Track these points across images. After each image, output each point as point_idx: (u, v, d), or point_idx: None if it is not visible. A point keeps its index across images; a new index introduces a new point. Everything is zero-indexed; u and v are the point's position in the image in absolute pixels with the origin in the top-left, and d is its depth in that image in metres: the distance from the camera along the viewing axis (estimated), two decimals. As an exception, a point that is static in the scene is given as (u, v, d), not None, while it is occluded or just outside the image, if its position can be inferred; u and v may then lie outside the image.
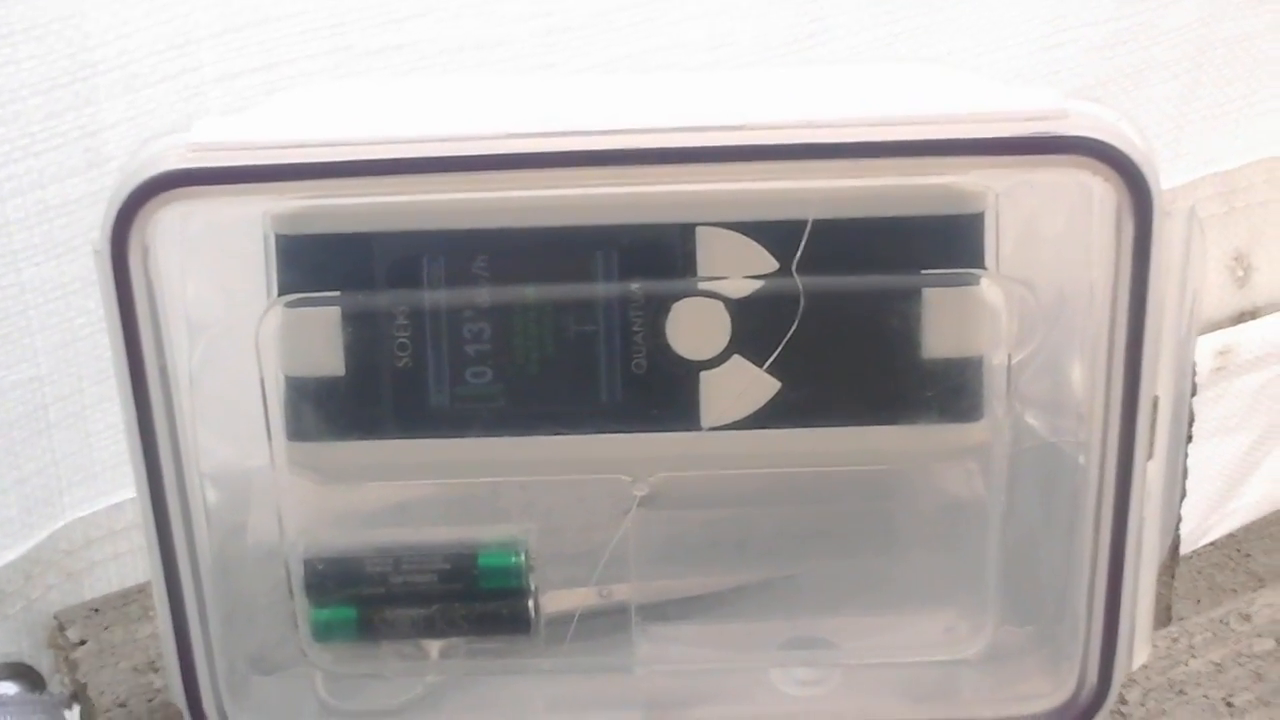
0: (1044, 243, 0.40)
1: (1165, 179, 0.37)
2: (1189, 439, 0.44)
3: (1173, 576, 0.72)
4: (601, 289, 0.39)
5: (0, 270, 0.48)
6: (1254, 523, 0.82)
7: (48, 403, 0.51)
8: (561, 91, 0.43)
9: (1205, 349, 0.71)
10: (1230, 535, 0.82)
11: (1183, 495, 0.50)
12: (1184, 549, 0.77)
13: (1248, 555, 0.84)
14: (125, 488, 0.54)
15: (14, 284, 0.49)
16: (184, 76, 0.49)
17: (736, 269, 0.39)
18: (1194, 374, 0.44)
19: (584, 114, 0.37)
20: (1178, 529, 0.71)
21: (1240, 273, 0.73)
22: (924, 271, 0.39)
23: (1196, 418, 0.70)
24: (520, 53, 0.55)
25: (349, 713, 0.44)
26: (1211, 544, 0.81)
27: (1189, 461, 0.57)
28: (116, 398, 0.38)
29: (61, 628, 0.52)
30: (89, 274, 0.49)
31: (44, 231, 0.49)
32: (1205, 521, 0.80)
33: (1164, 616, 0.55)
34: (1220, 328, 0.73)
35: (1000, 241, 0.39)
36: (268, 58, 0.50)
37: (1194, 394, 0.47)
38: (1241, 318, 0.74)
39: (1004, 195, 0.39)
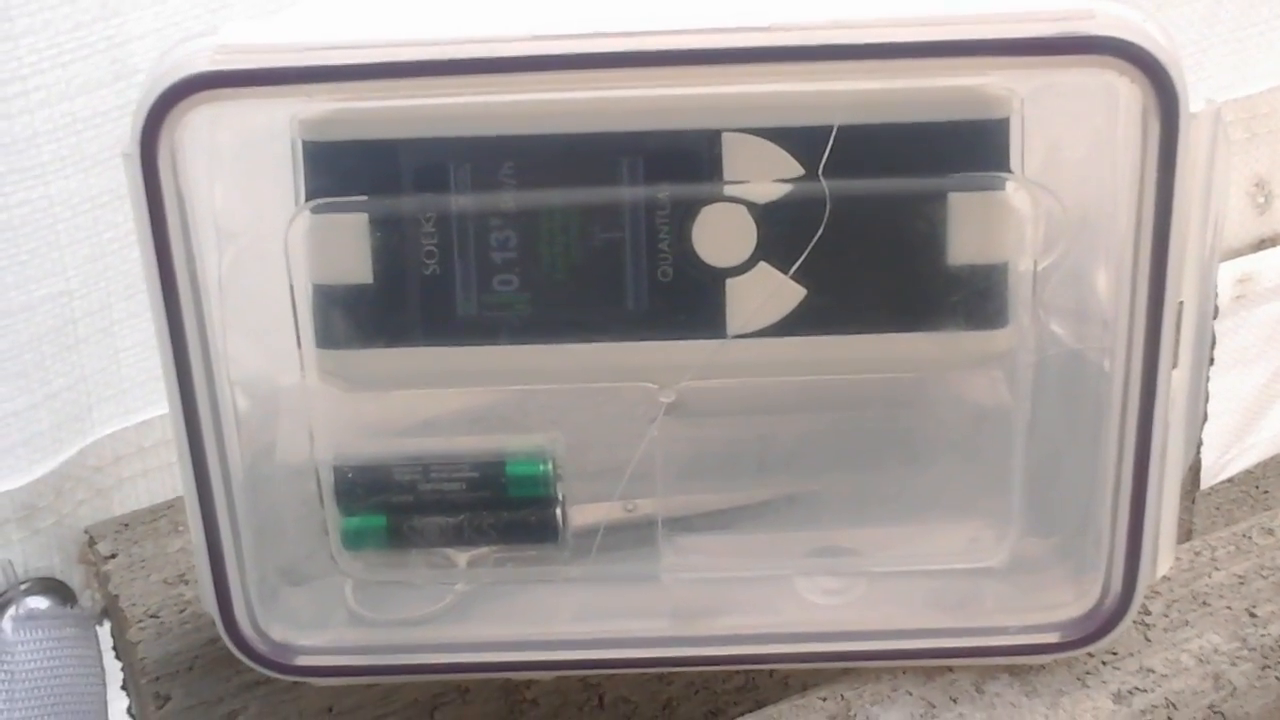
0: (1070, 148, 0.40)
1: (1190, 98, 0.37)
2: (1211, 361, 0.44)
3: (1193, 501, 0.72)
4: (627, 195, 0.39)
5: (29, 183, 0.49)
6: (1272, 459, 0.82)
7: (77, 318, 0.52)
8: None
9: (1225, 277, 0.71)
10: (1248, 471, 0.82)
11: (1204, 418, 0.50)
12: (1202, 484, 0.77)
13: (1265, 491, 0.84)
14: (154, 405, 0.54)
15: (43, 197, 0.49)
16: (212, -14, 0.50)
17: (762, 174, 0.39)
18: (1216, 292, 0.44)
19: (611, 16, 0.37)
20: (1199, 451, 0.71)
21: (1261, 199, 0.73)
22: (950, 176, 0.39)
23: (1216, 346, 0.70)
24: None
25: (378, 621, 0.44)
26: (1229, 480, 0.82)
27: (1209, 388, 0.57)
28: (144, 314, 0.39)
29: (92, 542, 0.53)
30: (118, 187, 0.49)
31: (72, 144, 0.49)
32: (1223, 456, 0.80)
33: (1184, 538, 0.55)
34: (1240, 255, 0.73)
35: (1026, 147, 0.39)
36: (295, -33, 0.51)
37: (1215, 317, 0.47)
38: (1262, 245, 0.74)
39: (1030, 100, 0.39)
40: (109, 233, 0.51)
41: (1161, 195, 0.38)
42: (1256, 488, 0.84)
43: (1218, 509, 0.83)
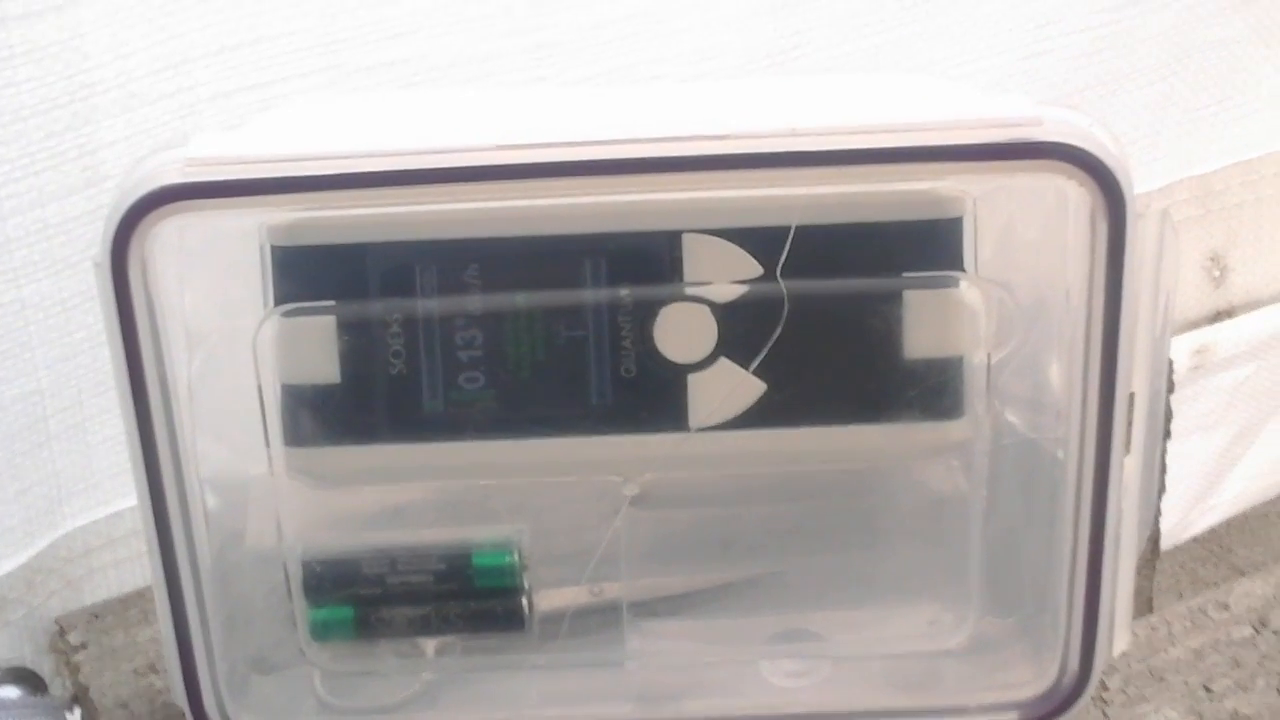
0: (1021, 245, 0.41)
1: (1143, 182, 0.38)
2: (1167, 435, 0.45)
3: (1153, 570, 0.73)
4: (590, 295, 0.40)
5: (1, 287, 0.49)
6: (1234, 518, 0.83)
7: (48, 415, 0.52)
8: (550, 104, 0.44)
9: (1183, 348, 0.72)
10: (1211, 530, 0.83)
11: (1161, 490, 0.51)
12: (1166, 544, 0.78)
13: (1229, 550, 0.85)
14: (124, 496, 0.55)
15: (15, 300, 0.50)
16: (180, 95, 0.50)
17: (722, 274, 0.40)
18: (1171, 371, 0.45)
19: (572, 125, 0.38)
20: (1157, 523, 0.72)
21: (1216, 273, 0.74)
22: (905, 274, 0.40)
23: (1175, 416, 0.71)
24: (509, 67, 0.56)
25: (347, 710, 0.45)
26: (1193, 539, 0.83)
27: (1169, 458, 0.58)
28: (115, 409, 0.39)
29: (63, 632, 0.53)
30: (88, 289, 0.50)
31: (44, 249, 0.50)
32: (1187, 517, 0.81)
33: (1145, 608, 0.56)
34: (1197, 327, 0.74)
35: (979, 245, 0.40)
36: (261, 76, 0.51)
37: (1172, 391, 0.48)
38: (1218, 317, 0.75)
39: (982, 200, 0.40)
40: (80, 333, 0.52)
41: (1110, 292, 0.38)
42: (1220, 545, 0.85)
43: (1182, 568, 0.84)
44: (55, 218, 0.49)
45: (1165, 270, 0.40)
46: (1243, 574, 0.78)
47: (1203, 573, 0.84)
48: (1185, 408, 0.74)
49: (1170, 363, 0.45)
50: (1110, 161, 0.37)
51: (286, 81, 0.52)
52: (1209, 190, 0.73)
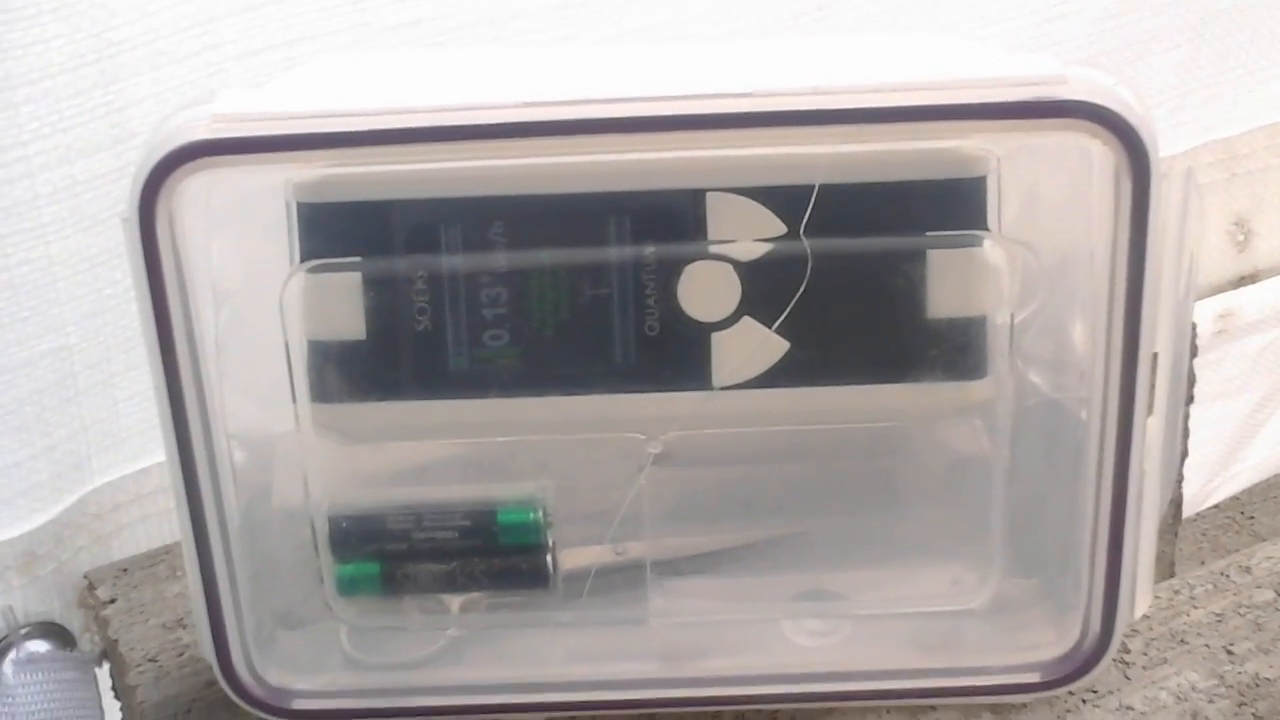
0: (1045, 205, 0.41)
1: (1168, 146, 0.38)
2: (1190, 400, 0.45)
3: (1175, 535, 0.73)
4: (615, 253, 0.40)
5: (30, 243, 0.49)
6: (1257, 485, 0.83)
7: (76, 371, 0.53)
8: (575, 62, 0.44)
9: (1206, 312, 0.72)
10: (1234, 498, 0.83)
11: (1184, 454, 0.51)
12: (1188, 512, 0.78)
13: (1251, 518, 0.85)
14: (151, 453, 0.55)
15: (43, 256, 0.50)
16: (206, 54, 0.50)
17: (746, 233, 0.40)
18: (1194, 334, 0.45)
19: (597, 83, 0.38)
20: (1179, 486, 0.71)
21: (1241, 237, 0.74)
22: (929, 234, 0.40)
23: (1198, 381, 0.71)
24: (535, 26, 0.56)
25: (373, 665, 0.45)
26: (1215, 506, 0.82)
27: (1191, 424, 0.58)
28: (142, 366, 0.39)
29: (91, 587, 0.53)
30: (116, 246, 0.50)
31: (72, 205, 0.50)
32: (1209, 484, 0.81)
33: (1166, 573, 0.56)
34: (1221, 291, 0.74)
35: (1003, 204, 0.40)
36: (288, 34, 0.51)
37: (1195, 356, 0.48)
38: (1242, 282, 0.75)
39: (1006, 159, 0.40)
40: (108, 289, 0.52)
41: (1134, 251, 0.39)
42: (1242, 513, 0.85)
43: (1204, 535, 0.84)
44: (83, 175, 0.49)
45: (1189, 230, 0.40)
46: (1265, 541, 0.78)
47: (1225, 540, 0.84)
48: (1208, 373, 0.74)
49: (1194, 326, 0.45)
50: (1135, 120, 0.37)
51: (313, 40, 0.52)
52: (1234, 154, 0.73)
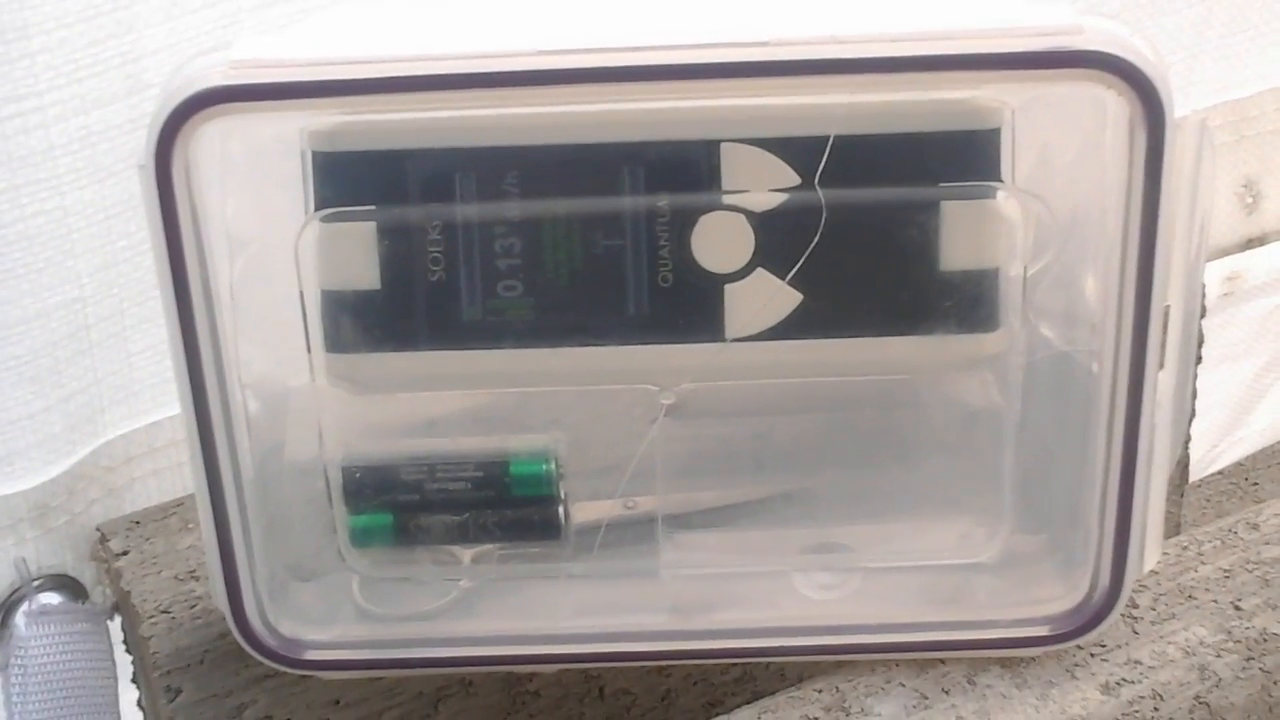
0: (1059, 157, 0.41)
1: (1178, 107, 0.38)
2: (1198, 359, 0.45)
3: (1182, 496, 0.73)
4: (628, 204, 0.40)
5: (45, 194, 0.50)
6: (1261, 451, 0.83)
7: (90, 323, 0.53)
8: (592, 10, 0.44)
9: (1213, 274, 0.72)
10: (1238, 464, 0.83)
11: (1192, 415, 0.51)
12: (1192, 477, 0.78)
13: (1255, 483, 0.85)
14: (164, 406, 0.55)
15: (58, 207, 0.50)
16: (222, 4, 0.50)
17: (760, 183, 0.40)
18: (1203, 292, 0.45)
19: (613, 32, 0.38)
20: (1187, 447, 0.72)
21: (1249, 200, 0.74)
22: (942, 185, 0.40)
23: (1205, 344, 0.71)
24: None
25: (385, 616, 0.45)
26: (1219, 472, 0.82)
27: (1198, 385, 0.58)
28: (155, 319, 0.40)
29: (104, 539, 0.53)
30: (130, 198, 0.50)
31: (87, 156, 0.50)
32: (1213, 450, 0.81)
33: (1172, 533, 0.56)
34: (1228, 254, 0.74)
35: (1016, 156, 0.40)
36: (303, -14, 0.52)
37: (1203, 316, 0.48)
38: (1250, 244, 0.75)
39: (1020, 111, 0.40)
40: (121, 241, 0.52)
41: (1148, 203, 0.39)
42: (1246, 479, 0.85)
43: (1208, 500, 0.84)
44: (98, 125, 0.49)
45: (1202, 182, 0.40)
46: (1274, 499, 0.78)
47: (1228, 505, 0.84)
48: (1214, 336, 0.74)
49: (1203, 287, 0.45)
50: (1150, 71, 0.37)
51: (327, -9, 0.52)
52: (1243, 116, 0.73)
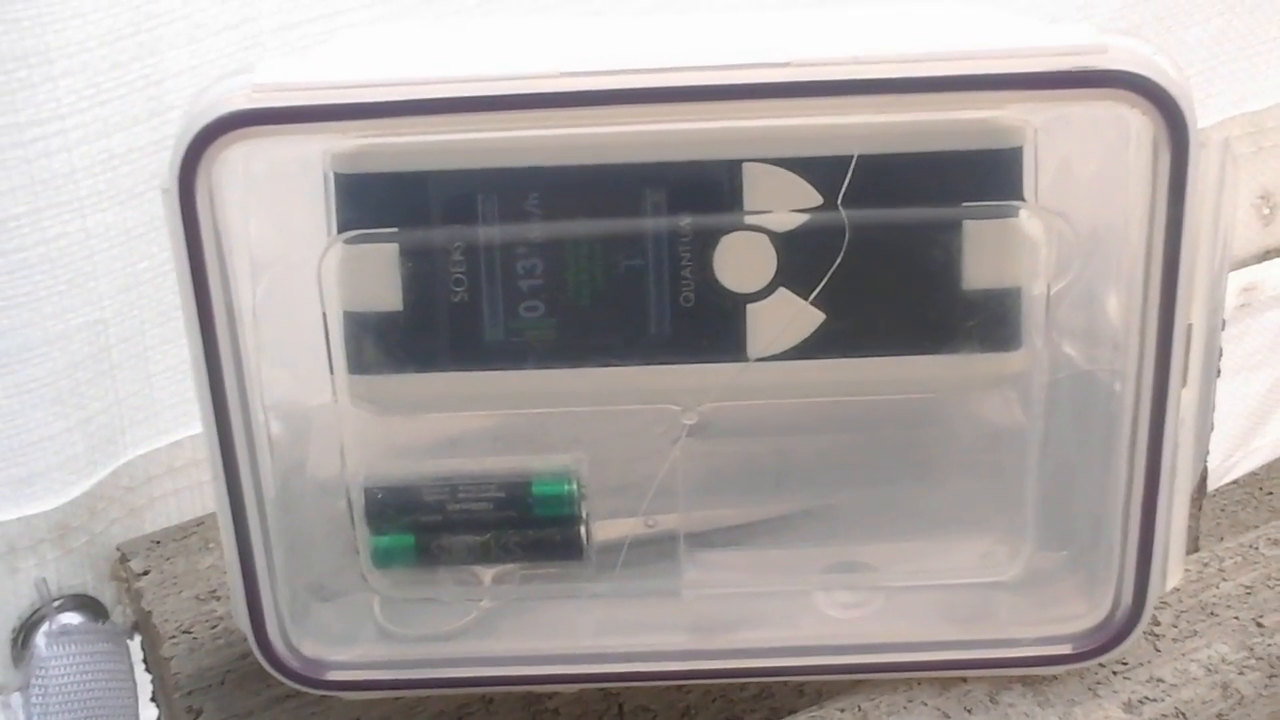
0: (1081, 176, 0.41)
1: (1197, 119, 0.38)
2: (1218, 372, 0.45)
3: (1200, 509, 0.73)
4: (650, 224, 0.40)
5: (67, 216, 0.50)
6: (1276, 461, 0.83)
7: (111, 344, 0.53)
8: (612, 32, 0.44)
9: (1231, 286, 0.72)
10: (1252, 474, 0.82)
11: (1211, 428, 0.51)
12: (1208, 486, 0.78)
13: (1270, 493, 0.84)
14: (185, 426, 0.55)
15: (80, 229, 0.50)
16: (244, 26, 0.51)
17: (782, 204, 0.40)
18: (1224, 308, 0.45)
19: (633, 53, 0.38)
20: (1206, 461, 0.71)
21: (1266, 211, 0.74)
22: (964, 204, 0.40)
23: (1223, 353, 0.71)
24: (572, -1, 0.56)
25: (406, 637, 0.45)
26: (1234, 482, 0.82)
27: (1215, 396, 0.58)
28: (176, 340, 0.40)
29: (124, 559, 0.53)
30: (152, 219, 0.51)
31: (109, 179, 0.50)
32: (1228, 460, 0.81)
33: (1191, 546, 0.56)
34: (1246, 265, 0.74)
35: (1039, 175, 0.40)
36: (325, 7, 0.52)
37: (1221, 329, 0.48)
38: (1267, 255, 0.75)
39: (1042, 130, 0.40)
40: (143, 263, 0.52)
41: (1171, 222, 0.39)
42: (1261, 489, 0.84)
43: (1223, 510, 0.83)
44: (120, 148, 0.50)
45: (1225, 201, 0.40)
46: (1287, 516, 0.78)
47: (1243, 516, 0.83)
48: (1231, 347, 0.74)
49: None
50: (1174, 90, 0.37)
51: (350, 13, 0.52)
52: (1261, 128, 0.73)
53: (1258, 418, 0.80)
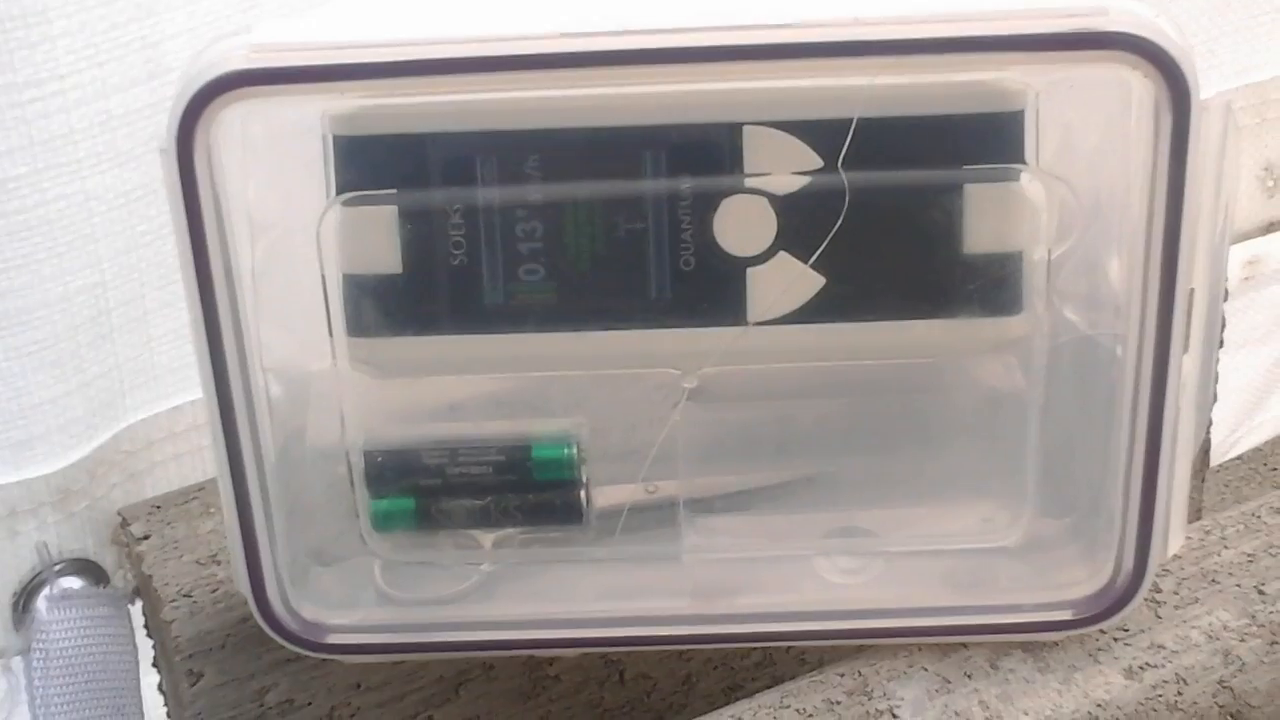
0: (1083, 140, 0.41)
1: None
2: (1220, 343, 0.45)
3: (1203, 480, 0.73)
4: (650, 187, 0.40)
5: (65, 178, 0.50)
6: (1278, 436, 0.83)
7: (111, 308, 0.53)
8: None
9: (1234, 259, 0.72)
10: (1256, 449, 0.83)
11: (1214, 399, 0.51)
12: (1211, 462, 0.78)
13: (1274, 469, 0.84)
14: (185, 391, 0.55)
15: (79, 191, 0.50)
16: (243, -12, 0.51)
17: (782, 166, 0.40)
18: (1226, 276, 0.45)
19: (635, 14, 0.38)
20: (1209, 431, 0.71)
21: (1270, 183, 0.74)
22: (965, 167, 0.40)
23: (1226, 327, 0.71)
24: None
25: (406, 601, 0.45)
26: (1238, 458, 0.82)
27: (1218, 369, 0.58)
28: (176, 304, 0.40)
29: (125, 523, 0.53)
30: (151, 182, 0.51)
31: (107, 140, 0.50)
32: (1232, 435, 0.81)
33: (1194, 517, 0.56)
34: (1249, 238, 0.74)
35: (1040, 139, 0.40)
36: (323, -30, 0.52)
37: (1225, 300, 0.48)
38: (1271, 228, 0.75)
39: (1044, 93, 0.40)
40: (142, 225, 0.52)
41: (1173, 185, 0.38)
42: (1265, 464, 0.84)
43: (1226, 485, 0.83)
44: (119, 109, 0.50)
45: (1228, 165, 0.40)
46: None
47: (1247, 491, 0.84)
48: (1235, 320, 0.74)
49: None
50: (1176, 52, 0.37)
51: (348, -26, 0.52)
52: (1265, 99, 0.72)
53: (1262, 392, 0.80)
